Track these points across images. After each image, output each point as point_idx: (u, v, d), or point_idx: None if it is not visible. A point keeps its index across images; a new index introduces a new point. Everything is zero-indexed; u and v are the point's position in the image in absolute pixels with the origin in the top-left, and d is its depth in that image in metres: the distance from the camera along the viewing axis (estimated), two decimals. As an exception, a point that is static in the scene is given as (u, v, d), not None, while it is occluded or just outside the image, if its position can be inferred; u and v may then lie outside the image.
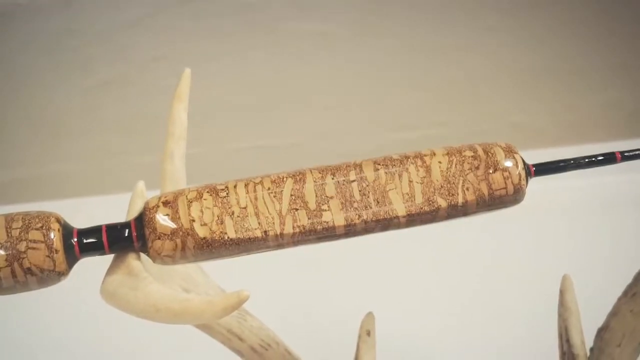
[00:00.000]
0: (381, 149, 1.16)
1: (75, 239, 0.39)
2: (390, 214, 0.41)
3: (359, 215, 0.41)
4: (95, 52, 1.02)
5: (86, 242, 0.39)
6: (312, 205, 0.40)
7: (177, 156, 0.49)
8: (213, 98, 1.07)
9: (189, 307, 0.38)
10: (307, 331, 0.82)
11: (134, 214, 0.42)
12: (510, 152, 0.42)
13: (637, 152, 0.44)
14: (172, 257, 0.39)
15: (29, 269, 0.37)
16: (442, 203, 0.41)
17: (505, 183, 0.42)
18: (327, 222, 0.40)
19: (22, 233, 0.37)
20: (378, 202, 0.41)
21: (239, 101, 1.10)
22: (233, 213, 0.39)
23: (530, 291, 0.85)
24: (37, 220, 0.38)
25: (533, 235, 0.98)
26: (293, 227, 0.40)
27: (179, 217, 0.39)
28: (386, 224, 0.41)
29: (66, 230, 0.39)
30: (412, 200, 0.41)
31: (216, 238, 0.39)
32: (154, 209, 0.39)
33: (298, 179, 0.40)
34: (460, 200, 0.41)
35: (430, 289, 0.92)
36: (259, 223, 0.40)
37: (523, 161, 0.42)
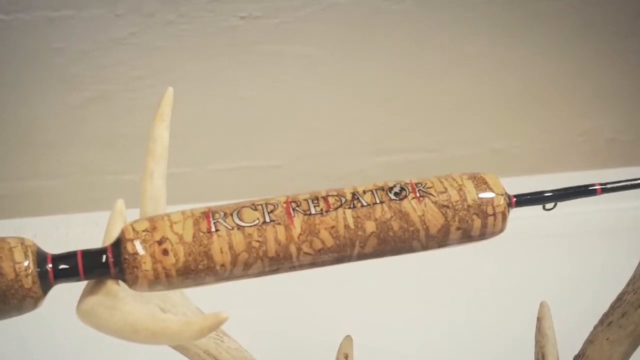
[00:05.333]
0: (363, 171, 1.16)
1: (50, 265, 0.38)
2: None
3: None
4: (78, 70, 1.01)
5: (61, 269, 0.38)
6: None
7: (158, 175, 0.48)
8: (195, 118, 1.07)
9: (167, 328, 0.38)
10: (284, 353, 0.81)
11: (112, 235, 0.42)
12: (493, 183, 0.42)
13: (616, 185, 0.45)
14: (150, 284, 0.39)
15: (1, 296, 0.36)
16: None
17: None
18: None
19: None
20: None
21: (222, 122, 1.10)
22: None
23: (508, 318, 0.85)
24: (9, 246, 0.37)
25: (511, 262, 0.99)
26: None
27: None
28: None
29: (40, 256, 0.38)
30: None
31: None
32: (132, 234, 0.39)
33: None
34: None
35: (408, 314, 0.92)
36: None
37: (505, 193, 0.43)
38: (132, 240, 0.39)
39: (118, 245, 0.39)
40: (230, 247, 0.39)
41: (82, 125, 1.06)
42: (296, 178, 1.15)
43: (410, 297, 0.95)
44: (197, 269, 0.39)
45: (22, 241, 0.38)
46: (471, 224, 0.41)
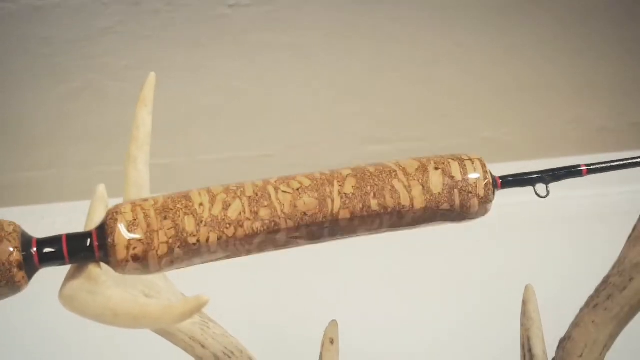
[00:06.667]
0: (355, 161, 1.16)
1: (35, 249, 0.38)
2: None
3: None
4: (66, 60, 1.01)
5: (46, 252, 0.39)
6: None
7: (141, 161, 0.48)
8: (185, 108, 1.07)
9: (148, 312, 0.38)
10: (270, 339, 0.81)
11: (95, 220, 0.42)
12: (478, 164, 0.43)
13: (602, 166, 0.45)
14: (135, 268, 0.39)
15: None
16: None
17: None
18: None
19: None
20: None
21: (211, 111, 1.09)
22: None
23: (493, 301, 0.86)
24: None
25: (497, 246, 0.99)
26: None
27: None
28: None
29: (25, 240, 0.38)
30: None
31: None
32: (116, 218, 0.39)
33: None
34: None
35: (394, 298, 0.93)
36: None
37: (490, 174, 0.43)
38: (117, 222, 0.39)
39: (102, 228, 0.39)
40: (209, 191, 0.40)
41: (70, 116, 1.06)
42: (287, 168, 1.14)
43: (396, 282, 0.95)
44: (176, 208, 0.39)
45: (6, 224, 0.38)
46: (449, 165, 0.42)
